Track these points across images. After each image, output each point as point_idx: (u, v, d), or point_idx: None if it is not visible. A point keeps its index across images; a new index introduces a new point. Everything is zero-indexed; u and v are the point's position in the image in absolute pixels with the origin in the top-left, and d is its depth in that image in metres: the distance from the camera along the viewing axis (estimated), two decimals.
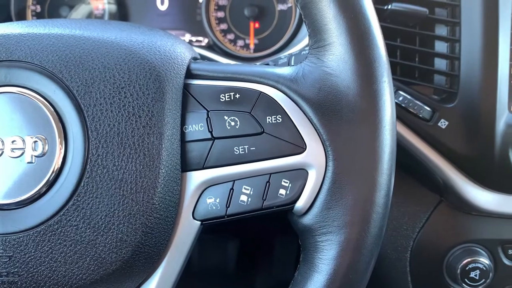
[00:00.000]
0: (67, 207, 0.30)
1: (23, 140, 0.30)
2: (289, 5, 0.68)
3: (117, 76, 0.30)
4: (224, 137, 0.31)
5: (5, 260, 0.30)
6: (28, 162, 0.30)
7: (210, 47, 0.69)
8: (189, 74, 0.33)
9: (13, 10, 0.68)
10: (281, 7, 0.68)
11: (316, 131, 0.30)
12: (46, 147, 0.30)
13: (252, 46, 0.69)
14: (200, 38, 0.70)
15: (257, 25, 0.69)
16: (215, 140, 0.31)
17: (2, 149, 0.30)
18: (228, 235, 0.96)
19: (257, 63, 0.53)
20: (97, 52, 0.31)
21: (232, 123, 0.31)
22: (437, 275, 0.55)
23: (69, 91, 0.30)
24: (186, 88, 0.32)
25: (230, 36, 0.69)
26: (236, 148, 0.31)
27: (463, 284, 0.53)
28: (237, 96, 0.31)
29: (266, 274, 0.93)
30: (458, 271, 0.53)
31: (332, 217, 0.30)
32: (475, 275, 0.52)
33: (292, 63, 0.42)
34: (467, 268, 0.52)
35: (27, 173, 0.30)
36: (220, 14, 0.69)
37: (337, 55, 0.30)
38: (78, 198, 0.30)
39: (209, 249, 1.03)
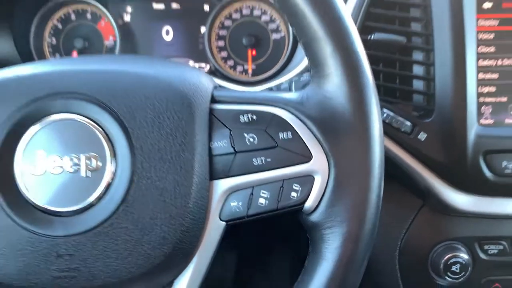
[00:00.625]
0: (118, 212, 0.36)
1: (79, 158, 0.37)
2: (282, 34, 0.76)
3: (156, 104, 0.37)
4: (244, 151, 0.38)
5: (67, 258, 0.36)
6: (84, 176, 0.37)
7: (212, 72, 0.77)
8: (213, 100, 0.40)
9: (32, 44, 0.74)
10: (275, 36, 0.76)
11: (320, 144, 0.37)
12: (99, 163, 0.37)
13: (250, 71, 0.76)
14: (203, 65, 0.77)
15: (254, 52, 0.76)
16: (237, 154, 0.38)
17: (62, 166, 0.37)
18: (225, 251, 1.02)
19: (259, 88, 0.60)
20: (139, 85, 0.38)
21: (251, 139, 0.38)
22: (423, 270, 0.62)
23: (117, 116, 0.37)
24: (211, 111, 0.39)
25: (230, 63, 0.76)
26: (254, 160, 0.38)
27: (446, 277, 0.60)
28: (254, 117, 0.38)
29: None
30: (441, 266, 0.60)
31: (335, 214, 0.37)
32: (456, 269, 0.59)
33: (293, 88, 0.50)
34: (448, 263, 0.60)
35: (83, 185, 0.37)
36: (221, 43, 0.77)
37: (335, 84, 0.37)
38: (127, 205, 0.36)
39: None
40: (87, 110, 0.37)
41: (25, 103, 0.37)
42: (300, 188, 0.38)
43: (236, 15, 0.76)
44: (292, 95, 0.39)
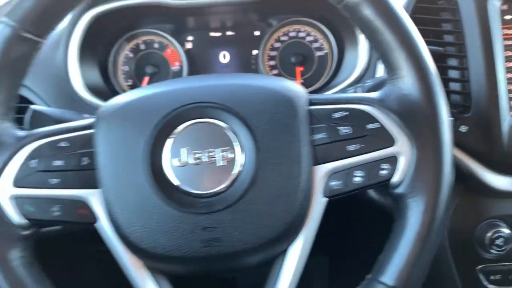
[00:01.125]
0: (249, 192, 0.46)
1: (215, 152, 0.47)
2: (325, 51, 0.87)
3: (271, 108, 0.48)
4: (339, 140, 0.48)
5: (210, 230, 0.46)
6: (219, 166, 0.47)
7: None
8: (310, 103, 0.50)
9: (111, 71, 0.86)
10: (319, 53, 0.87)
11: (402, 130, 0.48)
12: (231, 155, 0.47)
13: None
14: None
15: (301, 69, 0.87)
16: (333, 143, 0.48)
17: (202, 158, 0.47)
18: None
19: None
20: (256, 93, 0.48)
21: (344, 131, 0.48)
22: (470, 246, 0.71)
23: (243, 119, 0.47)
24: (310, 111, 0.49)
25: None
26: (348, 147, 0.48)
27: (491, 250, 0.70)
28: (346, 113, 0.49)
29: None
30: (486, 241, 0.70)
31: (418, 185, 0.47)
32: (500, 242, 0.69)
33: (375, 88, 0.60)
34: (492, 237, 0.69)
35: (220, 172, 0.47)
36: (272, 62, 0.88)
37: (409, 83, 0.48)
38: (255, 186, 0.46)
39: None
40: (219, 115, 0.48)
41: (171, 111, 0.48)
42: (388, 167, 0.48)
43: (284, 38, 0.88)
44: (374, 95, 0.50)
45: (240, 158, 0.47)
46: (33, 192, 0.48)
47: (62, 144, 0.49)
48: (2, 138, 0.49)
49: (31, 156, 0.49)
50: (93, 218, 0.49)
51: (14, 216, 0.48)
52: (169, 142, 0.48)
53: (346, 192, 0.49)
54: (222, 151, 0.47)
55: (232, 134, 0.48)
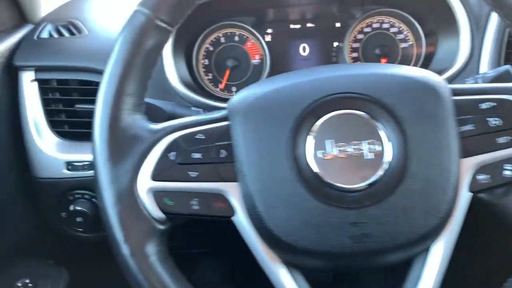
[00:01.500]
0: (399, 186, 0.44)
1: (362, 144, 0.45)
2: (410, 43, 0.85)
3: (418, 98, 0.46)
4: (488, 132, 0.46)
5: (360, 226, 0.44)
6: (367, 159, 0.45)
7: None
8: (454, 93, 0.48)
9: (194, 65, 0.84)
10: (403, 45, 0.85)
11: None
12: (379, 148, 0.45)
13: None
14: None
15: (385, 61, 0.85)
16: (482, 135, 0.47)
17: (348, 151, 0.45)
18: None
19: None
20: (403, 83, 0.47)
21: (494, 122, 0.46)
22: None
23: (389, 109, 0.46)
24: (455, 102, 0.47)
25: None
26: (498, 139, 0.46)
27: None
28: (494, 104, 0.47)
29: None
30: None
31: None
32: None
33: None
34: None
35: (368, 165, 0.45)
36: (354, 55, 0.86)
37: None
38: (405, 180, 0.45)
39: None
40: (363, 106, 0.46)
41: (313, 101, 0.46)
42: None
43: (367, 29, 0.86)
44: None
45: (388, 150, 0.45)
46: (172, 185, 0.47)
47: (199, 136, 0.48)
48: (136, 131, 0.48)
49: (169, 149, 0.47)
50: (230, 211, 0.47)
51: (153, 210, 0.47)
52: (312, 134, 0.46)
53: (493, 186, 0.47)
54: (369, 143, 0.45)
55: (378, 125, 0.46)
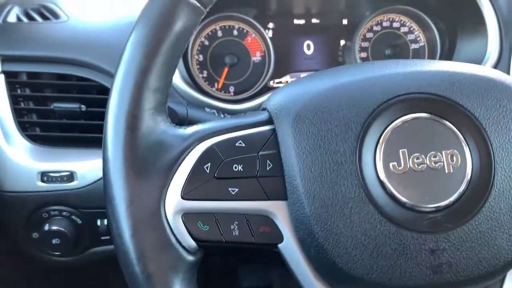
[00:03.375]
0: (485, 206, 0.37)
1: (441, 155, 0.38)
2: (421, 44, 0.79)
3: (500, 102, 0.39)
4: None
5: (441, 253, 0.37)
6: (447, 172, 0.38)
7: None
8: None
9: (190, 61, 0.74)
10: (414, 46, 0.80)
11: None
12: (460, 159, 0.38)
13: None
14: None
15: None
16: None
17: (425, 163, 0.37)
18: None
19: None
20: (481, 84, 0.40)
21: None
22: None
23: (471, 115, 0.38)
24: None
25: None
26: None
27: None
28: None
29: None
30: None
31: None
32: None
33: None
34: None
35: (447, 181, 0.38)
36: (363, 54, 0.79)
37: None
38: (492, 199, 0.37)
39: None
40: (441, 109, 0.39)
41: (382, 103, 0.38)
42: None
43: (376, 28, 0.79)
44: None
45: (472, 163, 0.38)
46: (208, 205, 0.37)
47: (239, 144, 0.38)
48: (161, 137, 0.38)
49: (204, 159, 0.38)
50: (277, 237, 0.38)
51: (182, 237, 0.37)
52: (382, 142, 0.38)
53: None
54: (449, 154, 0.38)
55: (459, 133, 0.38)
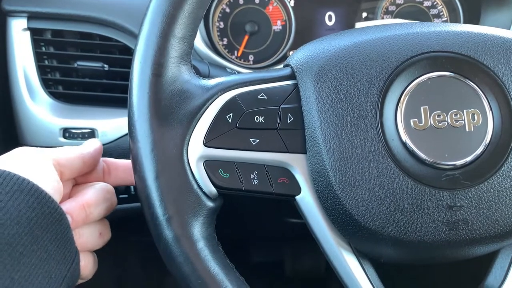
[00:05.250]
0: (505, 165, 0.37)
1: (462, 113, 0.38)
2: (444, 19, 0.79)
3: None
4: None
5: (456, 210, 0.37)
6: (468, 131, 0.38)
7: None
8: None
9: (211, 28, 0.74)
10: (436, 21, 0.79)
11: None
12: (482, 119, 0.38)
13: None
14: None
15: None
16: None
17: (446, 121, 0.38)
18: None
19: None
20: (507, 45, 0.39)
21: None
22: None
23: (495, 75, 0.38)
24: None
25: None
26: None
27: None
28: None
29: None
30: None
31: None
32: None
33: None
34: None
35: (468, 139, 0.38)
36: None
37: None
38: (510, 161, 0.38)
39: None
40: (465, 69, 0.39)
41: (406, 59, 0.38)
42: None
43: (399, 1, 0.78)
44: None
45: (493, 123, 0.38)
46: (230, 154, 0.38)
47: (262, 96, 0.39)
48: (185, 86, 0.38)
49: (226, 109, 0.38)
50: (295, 189, 0.39)
51: (203, 183, 0.38)
52: (404, 99, 0.38)
53: None
54: (470, 113, 0.38)
55: (481, 93, 0.38)
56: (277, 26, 0.78)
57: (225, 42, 0.77)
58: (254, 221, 0.83)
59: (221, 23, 0.76)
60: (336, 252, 0.40)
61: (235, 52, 0.77)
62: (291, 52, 0.78)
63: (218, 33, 0.76)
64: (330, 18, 0.79)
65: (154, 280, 1.02)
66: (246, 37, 0.76)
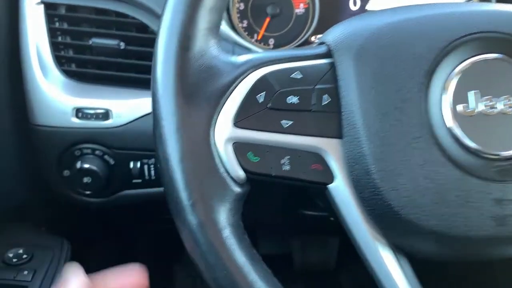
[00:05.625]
0: None
1: None
2: None
3: None
4: None
5: (506, 203, 0.34)
6: None
7: None
8: None
9: (231, 9, 0.71)
10: None
11: None
12: None
13: None
14: None
15: None
16: None
17: (497, 107, 0.35)
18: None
19: None
20: None
21: None
22: None
23: None
24: None
25: None
26: None
27: None
28: None
29: None
30: None
31: None
32: None
33: None
34: None
35: None
36: None
37: None
38: None
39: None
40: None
41: (454, 39, 0.35)
42: None
43: None
44: None
45: None
46: (260, 136, 0.35)
47: (295, 75, 0.36)
48: (213, 62, 0.35)
49: (257, 88, 0.35)
50: (328, 176, 0.36)
51: (231, 166, 0.35)
52: (451, 82, 0.35)
53: None
54: None
55: None
56: (299, 9, 0.74)
57: (245, 25, 0.73)
58: (265, 211, 0.81)
59: (242, 4, 0.73)
60: (371, 245, 0.37)
61: (255, 35, 0.73)
62: (313, 37, 0.75)
63: (238, 15, 0.73)
64: (355, 2, 0.76)
65: (162, 268, 1.00)
66: (267, 20, 0.73)
